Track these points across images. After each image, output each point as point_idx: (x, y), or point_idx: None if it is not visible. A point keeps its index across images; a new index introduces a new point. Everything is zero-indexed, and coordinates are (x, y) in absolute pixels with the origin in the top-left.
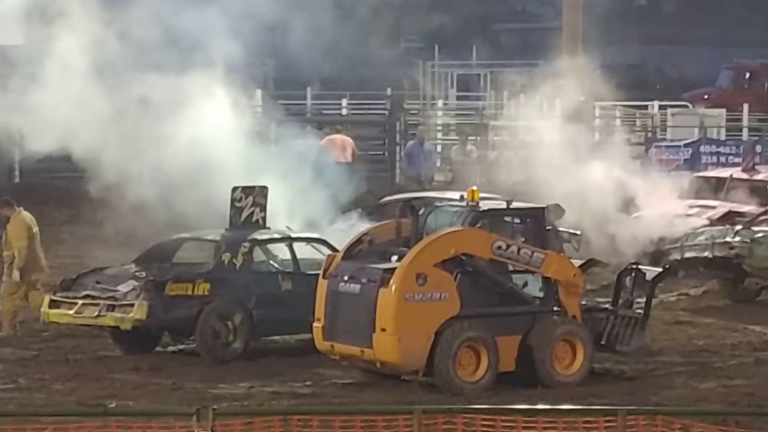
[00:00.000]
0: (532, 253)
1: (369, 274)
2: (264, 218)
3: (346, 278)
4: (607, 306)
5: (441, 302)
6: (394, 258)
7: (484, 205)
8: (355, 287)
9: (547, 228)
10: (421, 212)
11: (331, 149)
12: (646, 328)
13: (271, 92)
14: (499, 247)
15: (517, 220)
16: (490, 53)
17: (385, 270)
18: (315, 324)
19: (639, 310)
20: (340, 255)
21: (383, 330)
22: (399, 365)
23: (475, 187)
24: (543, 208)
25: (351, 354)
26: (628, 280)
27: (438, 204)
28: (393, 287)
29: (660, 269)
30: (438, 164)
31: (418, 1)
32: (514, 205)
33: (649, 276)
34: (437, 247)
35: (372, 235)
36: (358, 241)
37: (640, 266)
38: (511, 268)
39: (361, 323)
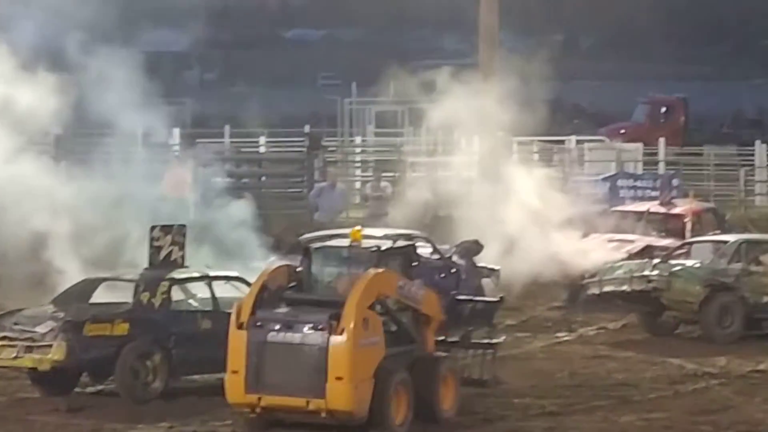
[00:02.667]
0: (417, 290)
1: (311, 321)
2: (183, 257)
3: (276, 327)
4: (456, 339)
5: (376, 346)
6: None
7: (383, 245)
8: (294, 336)
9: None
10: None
11: (173, 183)
12: (496, 358)
13: (189, 130)
14: (401, 287)
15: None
16: (407, 89)
17: (331, 316)
18: (230, 376)
19: (489, 341)
20: (249, 303)
21: (339, 378)
22: (353, 414)
23: (358, 227)
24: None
25: (288, 405)
26: (466, 311)
27: (319, 245)
28: (347, 334)
29: (494, 299)
30: (356, 201)
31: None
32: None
33: (480, 306)
34: (369, 289)
35: (269, 280)
36: (262, 287)
37: (473, 297)
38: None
39: (305, 373)
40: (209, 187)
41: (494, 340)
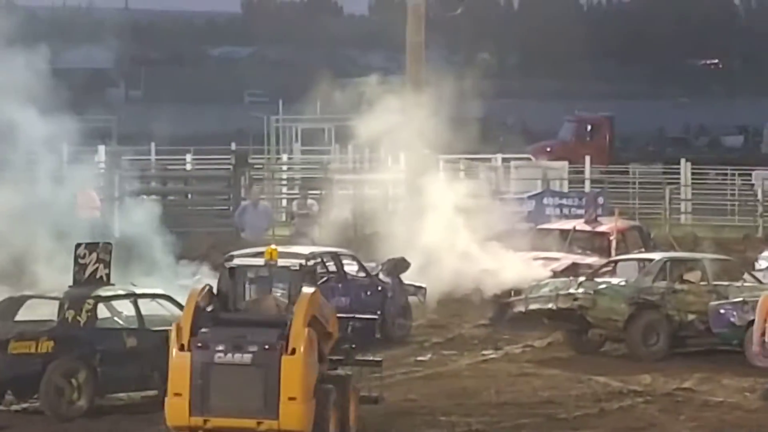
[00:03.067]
0: (329, 308)
1: (259, 341)
2: (108, 275)
3: (222, 348)
4: (340, 357)
5: (315, 365)
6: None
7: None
8: (243, 357)
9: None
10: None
11: (83, 203)
12: (379, 372)
13: (115, 148)
14: (322, 306)
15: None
16: (334, 107)
17: (279, 336)
18: (172, 399)
19: (372, 358)
20: (188, 324)
21: (292, 398)
22: None
23: (273, 246)
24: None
25: (238, 427)
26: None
27: (234, 264)
28: (298, 353)
29: (373, 316)
30: (283, 218)
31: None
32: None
33: (358, 324)
34: (310, 308)
35: (200, 300)
36: (196, 307)
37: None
38: None
39: (256, 394)
40: (134, 204)
41: (377, 358)
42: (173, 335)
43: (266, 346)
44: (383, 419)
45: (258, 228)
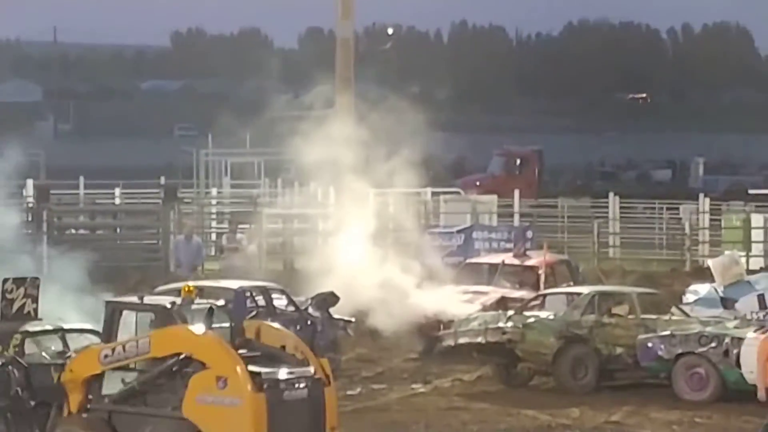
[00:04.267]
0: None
1: (308, 375)
2: (36, 309)
3: (284, 386)
4: None
5: None
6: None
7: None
8: (302, 392)
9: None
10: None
11: None
12: None
13: (43, 182)
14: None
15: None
16: (263, 141)
17: (316, 368)
18: None
19: None
20: (238, 363)
21: (333, 429)
22: None
23: (190, 283)
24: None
25: None
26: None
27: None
28: (332, 384)
29: None
30: (212, 252)
31: (192, 90)
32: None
33: None
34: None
35: None
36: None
37: None
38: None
39: (311, 426)
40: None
41: None
42: (241, 379)
43: (316, 378)
44: None
45: (191, 263)
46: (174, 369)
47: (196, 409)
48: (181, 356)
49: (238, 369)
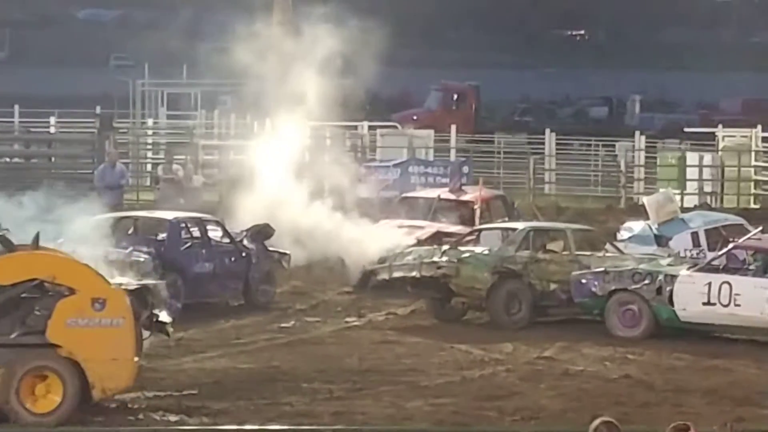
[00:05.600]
0: None
1: None
2: None
3: None
4: None
5: None
6: None
7: None
8: None
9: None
10: None
11: None
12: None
13: None
14: None
15: None
16: (200, 72)
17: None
18: None
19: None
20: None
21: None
22: None
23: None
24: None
25: None
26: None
27: None
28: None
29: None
30: (148, 183)
31: (129, 19)
32: None
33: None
34: None
35: None
36: None
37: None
38: None
39: None
40: None
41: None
42: None
43: None
44: (245, 385)
45: (116, 190)
46: (26, 295)
47: (66, 333)
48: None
49: (115, 289)
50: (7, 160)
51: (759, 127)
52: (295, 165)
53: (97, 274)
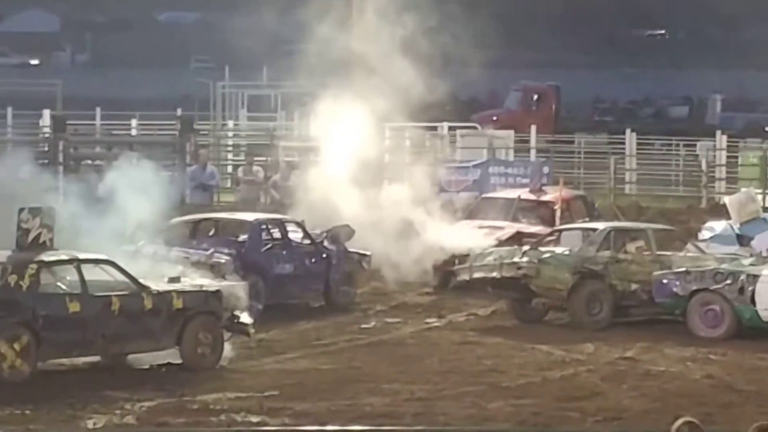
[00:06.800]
0: None
1: None
2: (51, 240)
3: None
4: None
5: None
6: None
7: None
8: None
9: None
10: None
11: None
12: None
13: (60, 112)
14: None
15: None
16: (280, 73)
17: None
18: None
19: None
20: None
21: None
22: None
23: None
24: None
25: None
26: None
27: None
28: None
29: None
30: (228, 185)
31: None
32: None
33: None
34: None
35: None
36: None
37: None
38: None
39: None
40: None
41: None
42: None
43: None
44: (327, 386)
45: (206, 191)
46: None
47: None
48: None
49: None
50: (89, 162)
51: None
52: (374, 166)
53: None
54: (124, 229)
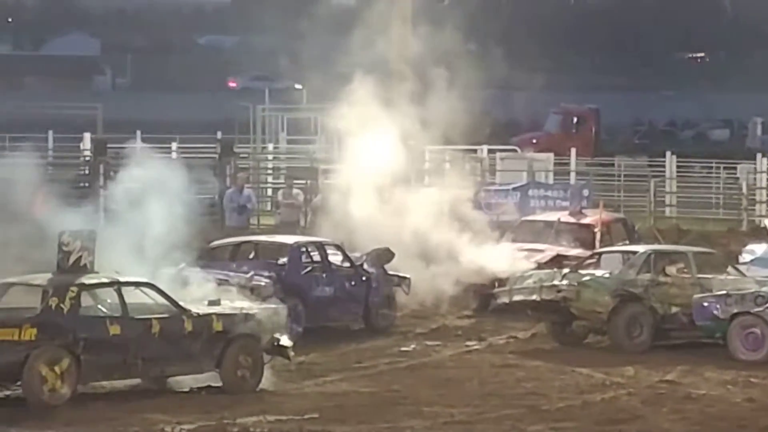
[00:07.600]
0: None
1: None
2: (92, 262)
3: None
4: None
5: None
6: None
7: None
8: None
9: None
10: None
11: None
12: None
13: (100, 135)
14: None
15: None
16: (320, 96)
17: None
18: None
19: None
20: None
21: None
22: None
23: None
24: None
25: None
26: None
27: None
28: None
29: None
30: (268, 208)
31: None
32: None
33: None
34: None
35: None
36: None
37: None
38: None
39: None
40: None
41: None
42: None
43: None
44: (367, 409)
45: (242, 214)
46: None
47: None
48: None
49: None
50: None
51: None
52: (414, 189)
53: None
54: (165, 252)
